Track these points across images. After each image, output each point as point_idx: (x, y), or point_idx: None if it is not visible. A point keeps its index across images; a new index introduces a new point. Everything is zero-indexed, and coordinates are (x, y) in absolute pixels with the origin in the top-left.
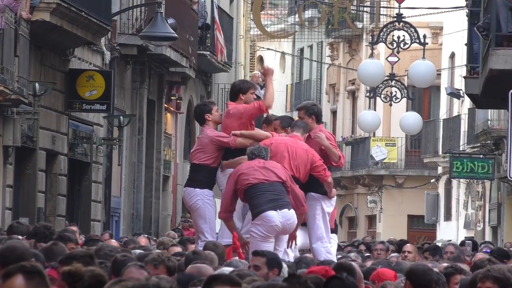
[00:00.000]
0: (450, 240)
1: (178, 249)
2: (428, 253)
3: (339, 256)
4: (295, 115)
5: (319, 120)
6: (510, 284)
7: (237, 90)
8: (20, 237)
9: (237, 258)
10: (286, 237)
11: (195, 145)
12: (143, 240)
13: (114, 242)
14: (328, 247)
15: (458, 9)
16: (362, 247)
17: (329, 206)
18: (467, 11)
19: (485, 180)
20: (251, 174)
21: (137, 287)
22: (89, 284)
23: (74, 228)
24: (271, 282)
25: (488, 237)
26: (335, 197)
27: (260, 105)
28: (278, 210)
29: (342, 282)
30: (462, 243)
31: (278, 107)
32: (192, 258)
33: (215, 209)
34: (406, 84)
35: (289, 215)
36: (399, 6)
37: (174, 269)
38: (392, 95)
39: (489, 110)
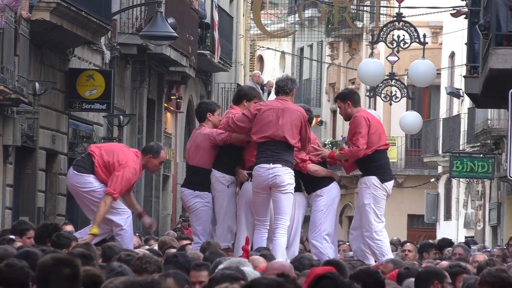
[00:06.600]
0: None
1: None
2: (434, 251)
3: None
4: None
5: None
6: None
7: (243, 95)
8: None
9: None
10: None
11: (189, 144)
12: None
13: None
14: (328, 244)
15: (457, 8)
16: None
17: (333, 196)
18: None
19: (485, 180)
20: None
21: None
22: (83, 284)
23: (69, 227)
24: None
25: (488, 236)
26: (336, 185)
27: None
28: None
29: (333, 282)
30: (467, 244)
31: None
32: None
33: (211, 212)
34: (406, 84)
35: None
36: (399, 6)
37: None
38: (392, 94)
39: (489, 110)
